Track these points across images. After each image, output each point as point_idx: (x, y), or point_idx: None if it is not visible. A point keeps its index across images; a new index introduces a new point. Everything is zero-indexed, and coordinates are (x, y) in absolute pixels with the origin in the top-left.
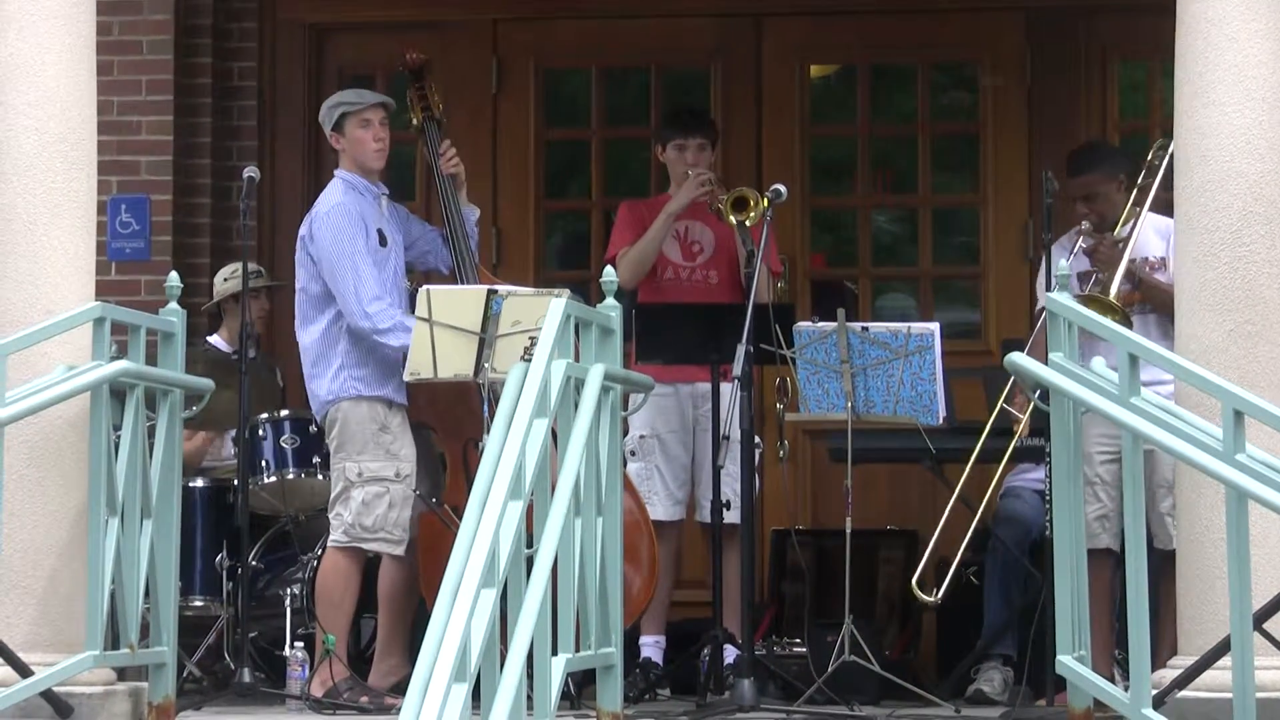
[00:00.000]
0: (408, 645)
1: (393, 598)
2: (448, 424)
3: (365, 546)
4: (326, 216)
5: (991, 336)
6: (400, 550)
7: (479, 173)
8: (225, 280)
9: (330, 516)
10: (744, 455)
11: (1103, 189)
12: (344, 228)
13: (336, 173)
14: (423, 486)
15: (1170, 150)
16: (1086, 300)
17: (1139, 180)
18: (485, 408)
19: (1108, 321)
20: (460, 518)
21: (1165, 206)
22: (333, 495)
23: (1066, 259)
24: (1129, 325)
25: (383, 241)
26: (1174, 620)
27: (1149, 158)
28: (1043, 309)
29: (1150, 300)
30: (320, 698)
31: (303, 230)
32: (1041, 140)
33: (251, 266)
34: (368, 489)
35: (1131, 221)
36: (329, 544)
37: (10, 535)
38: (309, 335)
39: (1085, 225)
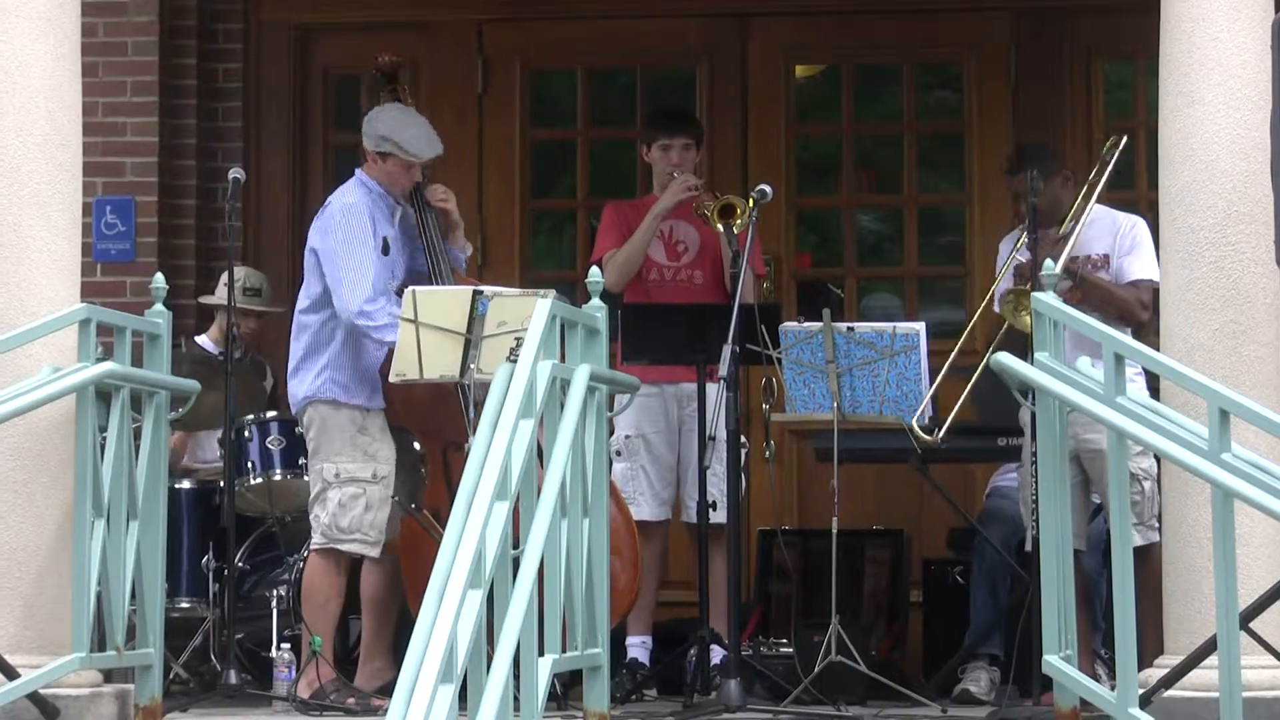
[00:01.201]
0: (392, 647)
1: (375, 600)
2: (427, 427)
3: (341, 548)
4: (338, 213)
5: (978, 336)
6: (375, 552)
7: (465, 173)
8: (225, 285)
9: (310, 518)
10: (730, 455)
11: (1042, 185)
12: (356, 226)
13: (358, 173)
14: (401, 491)
15: (1121, 146)
16: (1019, 294)
17: (1090, 176)
18: (471, 410)
19: (1094, 321)
20: (441, 521)
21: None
22: (311, 496)
23: (1010, 252)
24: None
25: (385, 250)
26: (1153, 619)
27: (1103, 152)
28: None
29: (1090, 299)
30: (307, 699)
31: (314, 225)
32: (1026, 139)
33: (255, 281)
34: (344, 490)
35: (1075, 218)
36: (310, 546)
37: None
38: (305, 326)
39: (1029, 222)
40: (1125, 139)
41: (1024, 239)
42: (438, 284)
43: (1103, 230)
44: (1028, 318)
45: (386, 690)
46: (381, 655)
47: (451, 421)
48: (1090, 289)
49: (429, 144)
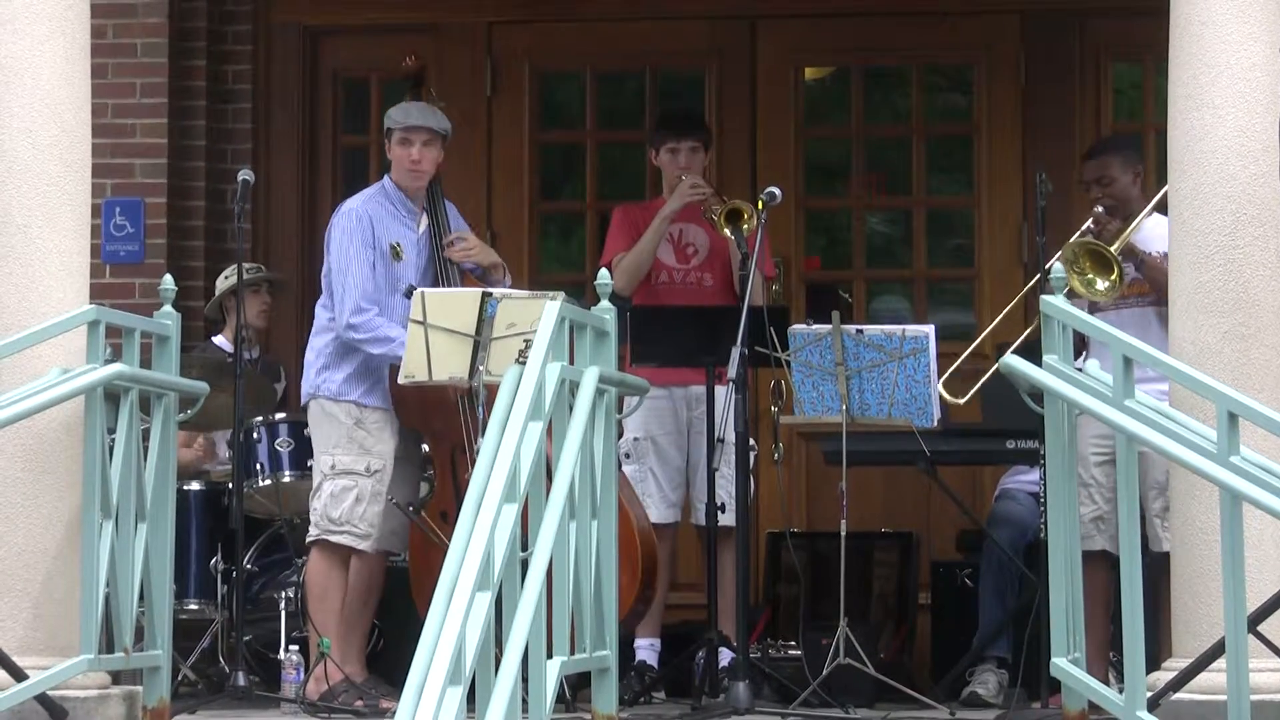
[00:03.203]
0: (362, 644)
1: (352, 592)
2: (434, 430)
3: (332, 539)
4: (340, 217)
5: (986, 339)
6: (365, 545)
7: (473, 176)
8: (226, 278)
9: (310, 510)
10: (739, 458)
11: (1117, 175)
12: (351, 231)
13: (385, 178)
14: (402, 493)
15: None
16: (1084, 247)
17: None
18: (466, 413)
19: (1102, 324)
20: (448, 522)
21: None
22: (312, 489)
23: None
24: (1122, 275)
25: (397, 255)
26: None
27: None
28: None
29: (1154, 286)
30: (316, 701)
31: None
32: (1036, 142)
33: (249, 263)
34: (336, 482)
35: (1143, 213)
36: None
37: (4, 538)
38: (319, 317)
39: (1099, 210)
40: None
41: (1088, 225)
42: (443, 278)
43: (1165, 231)
44: (1076, 280)
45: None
46: (352, 649)
47: (453, 425)
48: (1152, 272)
49: (419, 115)
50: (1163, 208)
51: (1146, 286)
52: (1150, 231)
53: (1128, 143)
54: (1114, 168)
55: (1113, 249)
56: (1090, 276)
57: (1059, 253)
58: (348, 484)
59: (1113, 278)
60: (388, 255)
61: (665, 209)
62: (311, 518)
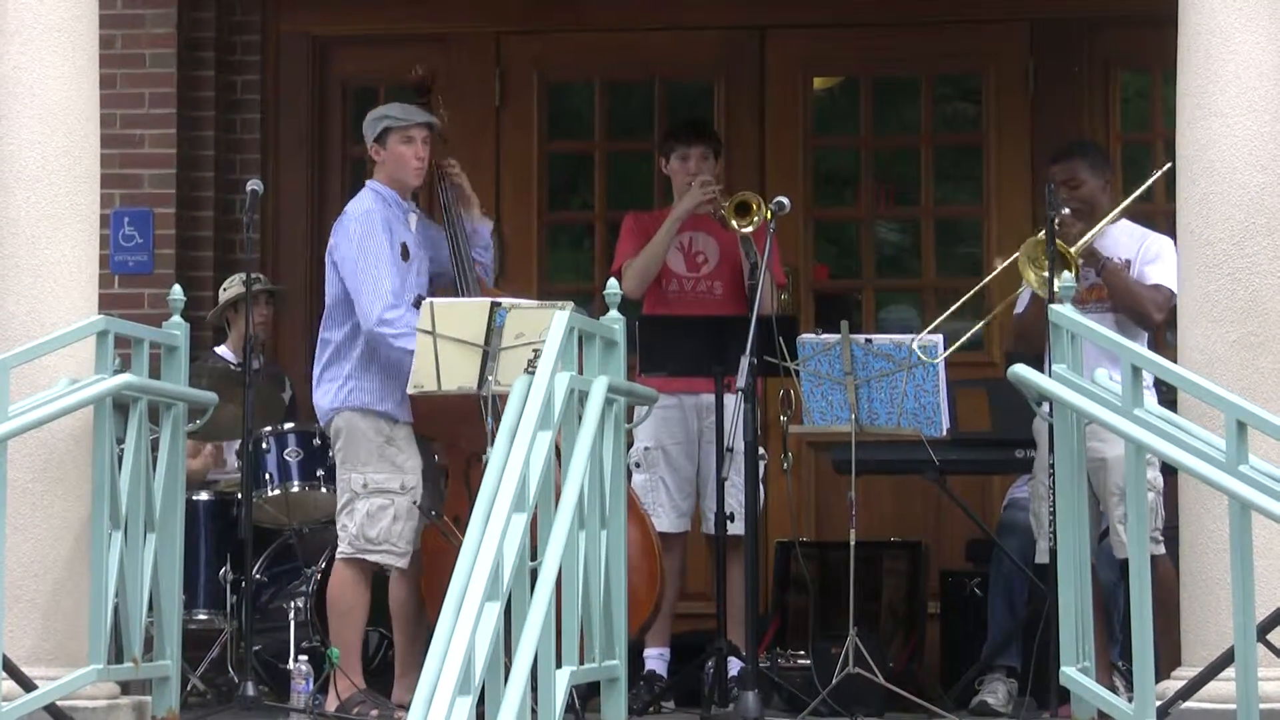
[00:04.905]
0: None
1: (405, 614)
2: (451, 439)
3: (369, 558)
4: (354, 221)
5: (995, 348)
6: (403, 563)
7: (482, 185)
8: (226, 290)
9: (338, 528)
10: (748, 467)
11: (1086, 178)
12: (370, 233)
13: (368, 183)
14: (423, 500)
15: (1160, 174)
16: (1037, 244)
17: (1121, 189)
18: (490, 420)
19: (1110, 333)
20: (462, 529)
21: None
22: (338, 506)
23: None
24: (1079, 275)
25: (405, 255)
26: (1164, 631)
27: (1152, 172)
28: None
29: (1112, 291)
30: (335, 712)
31: (331, 237)
32: (1044, 151)
33: (253, 274)
34: (372, 501)
35: (1104, 215)
36: (336, 555)
37: (14, 549)
38: (328, 340)
39: (1065, 211)
40: (1170, 166)
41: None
42: (462, 281)
43: (1129, 239)
44: (1032, 274)
45: None
46: (417, 668)
47: (476, 434)
48: (1111, 278)
49: (420, 112)
50: (1130, 215)
51: (1106, 292)
52: (1115, 239)
53: (1096, 149)
54: (1082, 170)
55: (1073, 249)
56: (1048, 274)
57: (1021, 247)
58: (383, 503)
59: (1069, 274)
60: (398, 255)
61: (677, 209)
62: (341, 535)
